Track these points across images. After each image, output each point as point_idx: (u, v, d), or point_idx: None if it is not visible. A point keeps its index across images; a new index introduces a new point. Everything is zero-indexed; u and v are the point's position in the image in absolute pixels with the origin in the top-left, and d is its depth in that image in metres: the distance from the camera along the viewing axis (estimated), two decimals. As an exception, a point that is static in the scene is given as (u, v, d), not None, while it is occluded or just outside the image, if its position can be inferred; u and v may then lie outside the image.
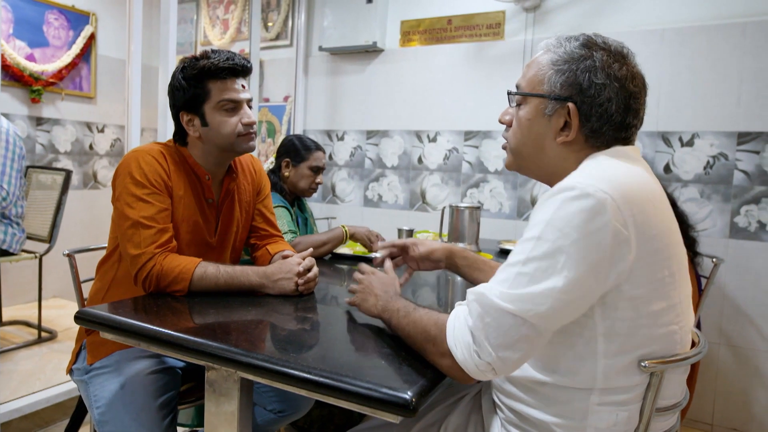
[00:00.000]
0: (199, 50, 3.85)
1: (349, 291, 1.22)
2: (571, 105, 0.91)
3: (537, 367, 0.91)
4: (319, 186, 2.21)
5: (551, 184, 0.99)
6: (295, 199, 2.24)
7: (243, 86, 1.42)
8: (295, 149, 2.16)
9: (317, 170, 2.16)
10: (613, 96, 0.90)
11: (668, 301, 0.86)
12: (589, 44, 0.93)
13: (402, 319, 0.99)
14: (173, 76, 1.41)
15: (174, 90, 1.41)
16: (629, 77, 0.92)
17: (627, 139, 0.95)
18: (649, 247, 0.82)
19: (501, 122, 1.03)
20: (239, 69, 1.39)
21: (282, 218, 1.98)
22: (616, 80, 0.90)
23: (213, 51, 1.40)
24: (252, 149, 1.46)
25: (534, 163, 0.99)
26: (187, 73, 1.38)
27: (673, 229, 0.89)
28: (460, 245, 2.17)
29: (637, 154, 0.95)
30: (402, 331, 0.99)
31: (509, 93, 1.00)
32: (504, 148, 1.04)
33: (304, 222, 2.27)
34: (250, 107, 1.44)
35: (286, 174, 2.15)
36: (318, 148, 2.19)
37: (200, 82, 1.37)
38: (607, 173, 0.84)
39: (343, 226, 2.06)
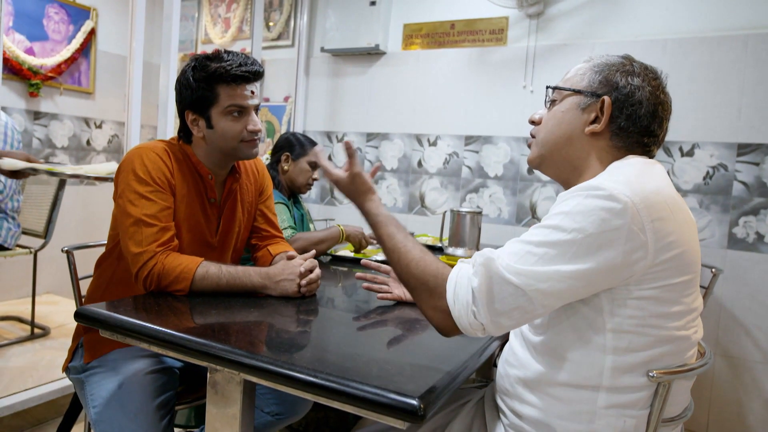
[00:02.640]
0: (200, 48, 3.88)
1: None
2: (606, 98, 0.96)
3: (545, 355, 0.92)
4: (315, 183, 2.25)
5: (567, 183, 1.02)
6: (291, 195, 2.27)
7: (252, 92, 1.39)
8: (294, 144, 2.22)
9: (315, 166, 2.22)
10: (644, 99, 0.96)
11: (681, 306, 0.88)
12: (629, 58, 1.01)
13: (395, 244, 0.99)
14: (182, 73, 1.39)
15: (182, 88, 1.39)
16: (661, 88, 0.99)
17: (648, 148, 0.99)
18: (667, 254, 0.84)
19: (531, 121, 1.06)
20: (251, 76, 1.37)
21: (281, 214, 2.00)
22: (649, 86, 0.97)
23: (226, 52, 1.37)
24: (255, 156, 1.45)
25: (558, 154, 1.01)
26: (197, 74, 1.35)
27: (692, 238, 0.90)
28: (460, 250, 2.17)
29: (659, 166, 0.97)
30: (396, 265, 0.98)
31: (548, 87, 1.04)
32: (529, 145, 1.07)
33: (300, 218, 2.28)
34: (257, 113, 1.43)
35: (286, 168, 2.19)
36: (314, 144, 2.25)
37: (210, 85, 1.35)
38: (629, 177, 0.87)
39: (339, 226, 2.07)
